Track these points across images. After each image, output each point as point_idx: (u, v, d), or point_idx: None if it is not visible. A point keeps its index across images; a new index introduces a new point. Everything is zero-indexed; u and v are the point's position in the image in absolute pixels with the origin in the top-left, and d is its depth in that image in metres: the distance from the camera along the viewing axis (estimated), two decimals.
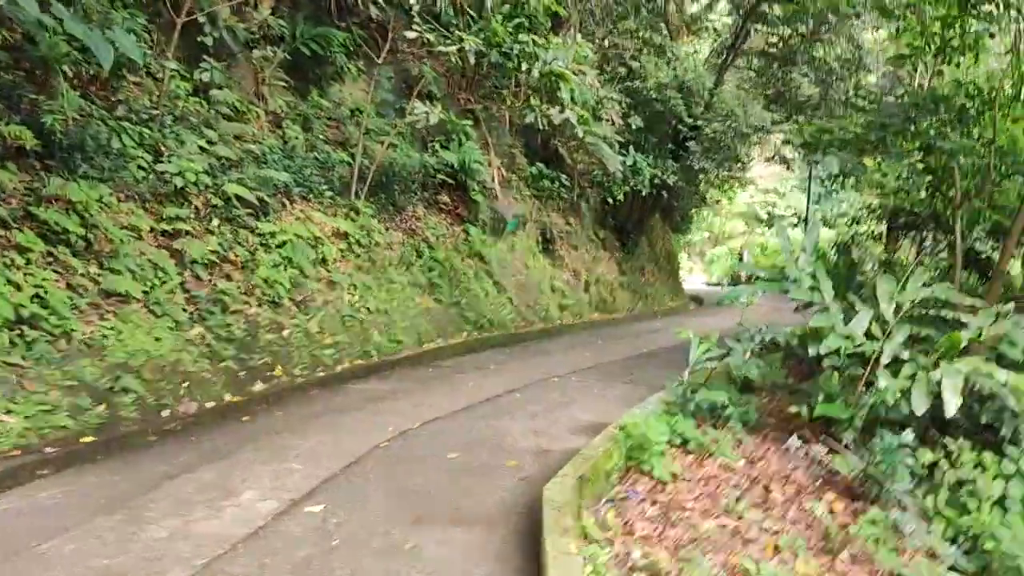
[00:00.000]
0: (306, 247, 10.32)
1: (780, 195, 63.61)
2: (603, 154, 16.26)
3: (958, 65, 10.66)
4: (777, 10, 18.83)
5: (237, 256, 9.32)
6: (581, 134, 11.30)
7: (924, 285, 7.72)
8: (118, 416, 6.61)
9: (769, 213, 64.46)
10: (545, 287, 16.03)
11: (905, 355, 7.12)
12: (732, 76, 20.96)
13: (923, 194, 12.54)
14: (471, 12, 12.76)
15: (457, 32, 11.11)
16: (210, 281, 8.81)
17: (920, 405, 6.21)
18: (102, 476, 5.51)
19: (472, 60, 11.01)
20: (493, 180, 15.06)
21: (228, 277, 9.05)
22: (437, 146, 14.30)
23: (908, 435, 6.14)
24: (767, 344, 7.46)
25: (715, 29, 21.51)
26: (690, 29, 22.31)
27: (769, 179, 55.37)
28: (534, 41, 11.02)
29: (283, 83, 11.97)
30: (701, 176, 20.94)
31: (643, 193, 17.83)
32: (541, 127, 11.46)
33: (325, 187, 11.47)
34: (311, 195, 11.22)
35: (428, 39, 11.02)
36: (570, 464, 5.25)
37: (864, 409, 6.77)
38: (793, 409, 7.20)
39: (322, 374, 9.20)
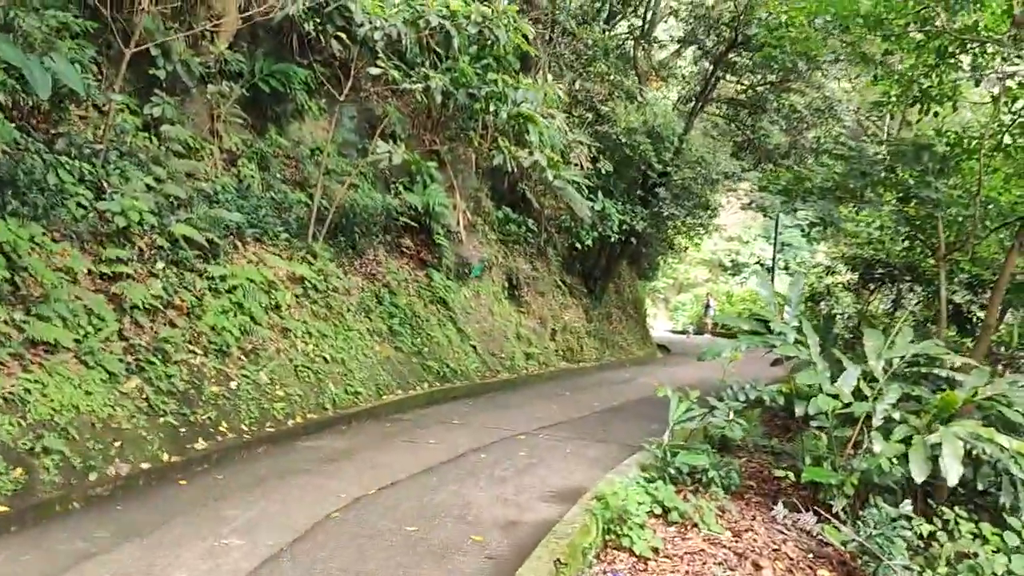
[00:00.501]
0: (258, 292, 9.75)
1: (744, 243, 64.33)
2: (571, 199, 15.95)
3: (936, 114, 10.52)
4: (746, 58, 18.86)
5: (183, 301, 8.74)
6: (551, 177, 10.95)
7: (911, 341, 7.39)
8: (38, 481, 5.94)
9: (733, 261, 65.17)
10: (511, 335, 15.55)
11: (896, 416, 6.73)
12: (701, 123, 20.92)
13: (900, 245, 12.36)
14: (437, 51, 12.43)
15: (423, 70, 10.73)
16: (151, 328, 8.20)
17: (920, 472, 5.80)
18: (9, 554, 4.85)
19: (438, 99, 10.62)
20: (458, 224, 14.64)
21: (172, 324, 8.45)
22: (400, 188, 13.88)
23: (906, 506, 5.71)
24: (751, 402, 7.03)
25: (683, 76, 21.52)
26: (658, 75, 22.31)
27: (733, 227, 55.95)
28: (504, 81, 10.68)
29: (240, 120, 11.50)
30: (670, 223, 20.74)
31: (612, 239, 17.52)
32: (510, 170, 11.11)
33: (281, 229, 10.95)
34: (266, 237, 10.68)
35: (393, 76, 10.62)
36: (543, 545, 4.73)
37: (855, 475, 6.34)
38: (779, 473, 6.75)
39: (272, 430, 8.57)
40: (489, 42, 10.84)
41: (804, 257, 59.40)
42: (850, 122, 18.10)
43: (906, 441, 6.51)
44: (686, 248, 30.42)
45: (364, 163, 12.06)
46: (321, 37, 11.38)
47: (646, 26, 20.50)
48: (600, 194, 16.90)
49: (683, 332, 38.58)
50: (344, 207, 12.14)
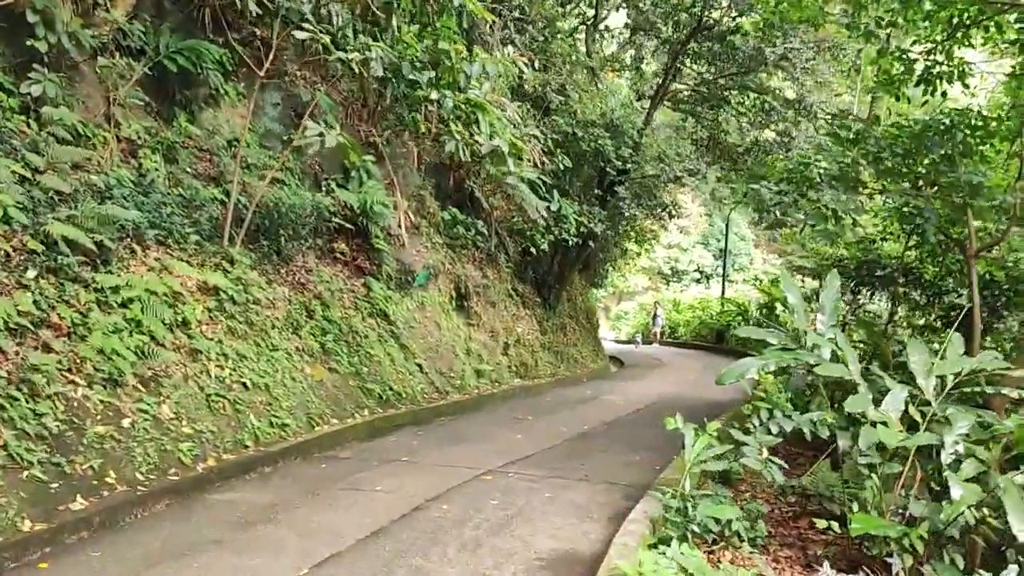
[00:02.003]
0: (161, 306, 8.12)
1: (683, 250, 64.13)
2: (525, 198, 14.63)
3: (944, 95, 9.48)
4: (706, 49, 17.82)
5: (61, 319, 7.10)
6: (513, 167, 9.57)
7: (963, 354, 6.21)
8: None
9: (673, 269, 64.90)
10: (460, 350, 14.10)
11: (960, 448, 5.52)
12: (659, 118, 19.80)
13: (899, 244, 11.33)
14: (376, 25, 10.94)
15: (361, 37, 9.26)
16: (17, 354, 6.55)
17: (1021, 527, 4.56)
18: None
19: (379, 72, 9.19)
20: (399, 226, 13.16)
21: (46, 348, 6.81)
22: (333, 185, 12.34)
23: (1011, 571, 4.47)
24: (785, 434, 5.73)
25: (638, 67, 20.38)
26: (611, 68, 21.17)
27: (672, 235, 55.53)
28: (456, 52, 9.27)
29: (142, 105, 9.90)
30: (628, 224, 19.60)
31: (568, 243, 16.24)
32: (462, 158, 9.70)
33: (191, 230, 9.33)
34: (171, 240, 9.06)
35: (323, 43, 9.13)
36: None
37: (923, 526, 5.09)
38: (821, 524, 5.45)
39: (176, 477, 6.97)
40: (435, 10, 9.39)
41: (742, 263, 59.49)
42: (822, 116, 17.22)
43: (979, 480, 5.32)
44: (638, 253, 29.40)
45: (290, 148, 10.50)
46: (237, 2, 9.81)
47: (598, 14, 19.33)
48: (555, 193, 15.60)
49: (630, 342, 37.53)
50: (267, 206, 10.58)
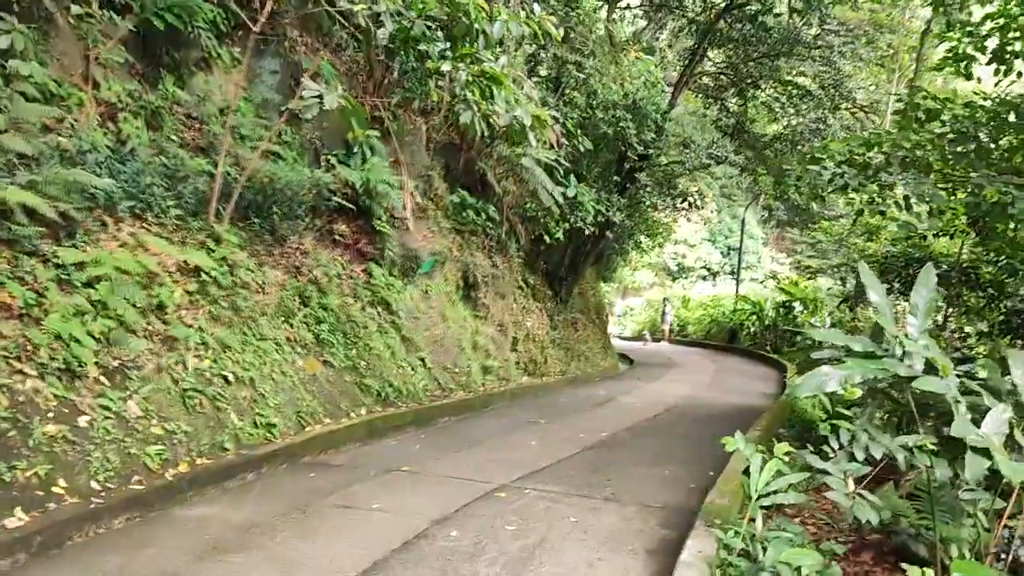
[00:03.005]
0: (133, 287, 7.18)
1: (691, 247, 63.20)
2: (540, 183, 13.67)
3: (1020, 74, 8.49)
4: (736, 30, 16.78)
5: (13, 297, 6.18)
6: (534, 142, 8.59)
7: None
8: None
9: (679, 265, 64.01)
10: (466, 344, 13.14)
11: None
12: (678, 108, 18.76)
13: (960, 239, 10.33)
14: None
15: None
16: None
17: None
18: None
19: (386, 33, 8.19)
20: (405, 208, 12.19)
21: None
22: (334, 161, 11.37)
23: None
24: (874, 462, 4.76)
25: (660, 49, 19.36)
26: (633, 48, 20.12)
27: (680, 230, 54.52)
28: (474, 5, 8.25)
29: (126, 65, 9.00)
30: (642, 217, 18.61)
31: (585, 233, 15.25)
32: (479, 132, 8.71)
33: (172, 203, 8.38)
34: (149, 213, 8.12)
35: None
36: None
37: None
38: (914, 574, 4.49)
39: (140, 487, 6.03)
40: None
41: (750, 261, 58.54)
42: (863, 100, 16.21)
43: None
44: (652, 247, 28.37)
45: (287, 113, 9.54)
46: None
47: None
48: (573, 178, 14.61)
49: (637, 339, 36.56)
50: (260, 181, 9.65)
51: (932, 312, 5.27)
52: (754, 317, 29.51)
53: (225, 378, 7.75)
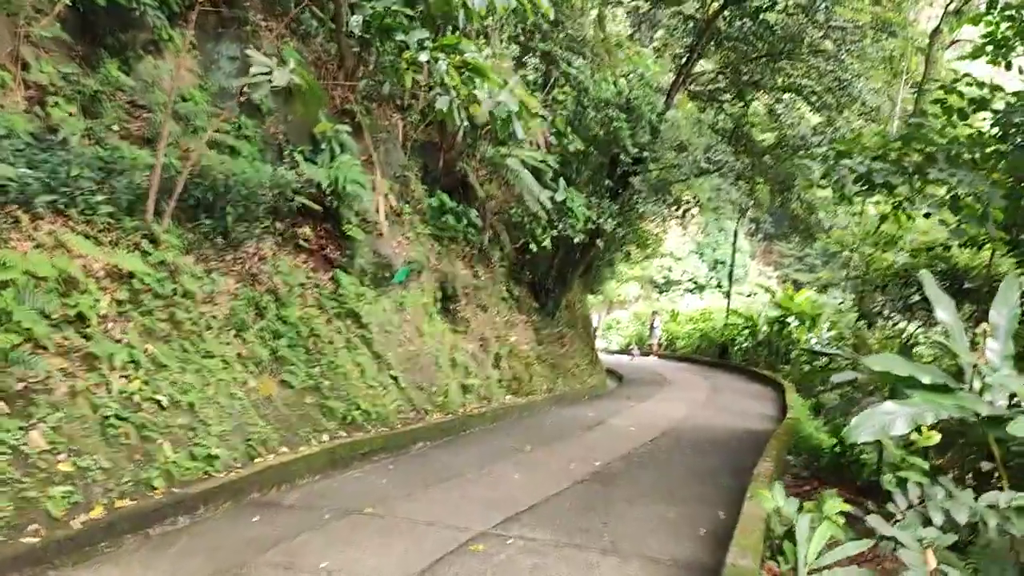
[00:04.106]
0: (46, 295, 6.15)
1: (676, 259, 62.54)
2: (526, 186, 12.70)
3: None
4: (736, 28, 15.89)
5: None
6: (521, 133, 7.61)
7: None
8: None
9: (666, 278, 63.29)
10: (444, 361, 12.10)
11: None
12: (670, 113, 17.83)
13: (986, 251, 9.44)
14: None
15: None
16: None
17: None
18: None
19: (358, 20, 7.21)
20: (378, 211, 11.19)
21: None
22: (299, 157, 10.35)
23: None
24: (957, 527, 3.77)
25: (655, 48, 18.44)
26: (611, 55, 19.22)
27: (667, 243, 53.81)
28: None
29: (62, 45, 8.07)
30: (631, 226, 17.66)
31: (574, 241, 14.26)
32: (458, 121, 7.69)
33: (102, 199, 7.32)
34: (74, 209, 7.08)
35: None
36: None
37: None
38: None
39: (33, 539, 4.96)
40: None
41: (737, 275, 57.88)
42: (872, 102, 15.35)
43: None
44: (650, 256, 27.44)
45: (236, 91, 8.54)
46: None
47: None
48: (562, 182, 13.63)
49: (624, 352, 35.56)
50: (213, 177, 8.62)
51: (1012, 334, 4.30)
52: (746, 332, 28.57)
53: (158, 402, 6.69)
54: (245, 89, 7.70)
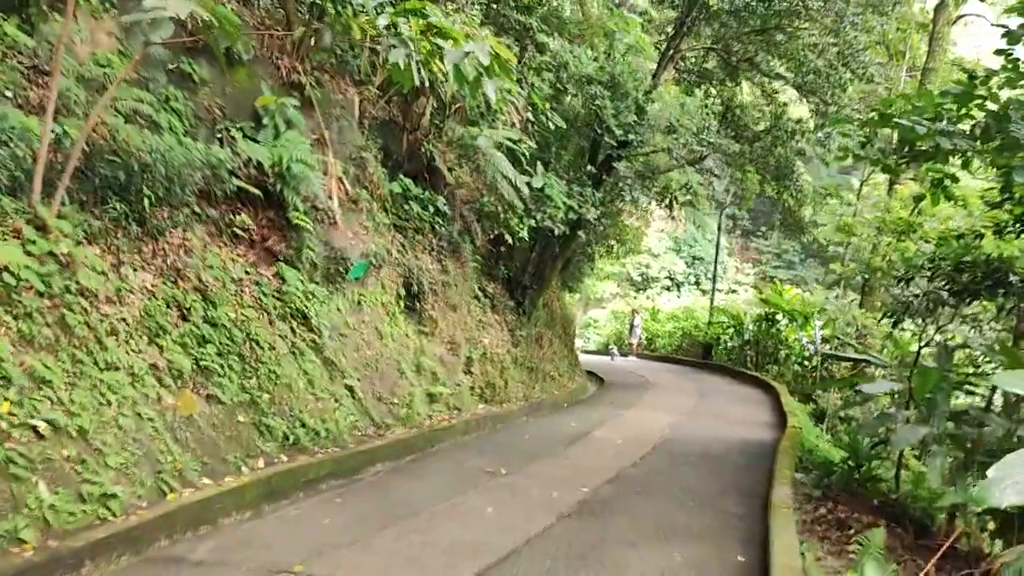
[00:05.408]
0: None
1: (654, 256, 61.71)
2: (499, 170, 11.42)
3: None
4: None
5: None
6: (492, 92, 6.32)
7: None
8: None
9: (643, 275, 62.46)
10: (408, 367, 10.81)
11: None
12: (662, 87, 16.58)
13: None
14: None
15: None
16: None
17: None
18: None
19: None
20: (330, 197, 9.89)
21: None
22: (238, 135, 9.02)
23: None
24: None
25: (641, 25, 17.17)
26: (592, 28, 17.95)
27: (645, 240, 52.92)
28: None
29: None
30: (617, 219, 16.45)
31: (553, 232, 13.00)
32: (416, 80, 6.35)
33: None
34: None
35: None
36: None
37: None
38: None
39: None
40: None
41: (718, 272, 57.20)
42: (877, 77, 14.23)
43: None
44: (632, 250, 26.28)
45: (122, 23, 7.18)
46: None
47: None
48: (539, 166, 12.37)
49: (603, 353, 34.39)
50: (125, 152, 7.29)
51: None
52: (732, 331, 27.48)
53: (35, 429, 5.35)
54: (139, 29, 6.32)
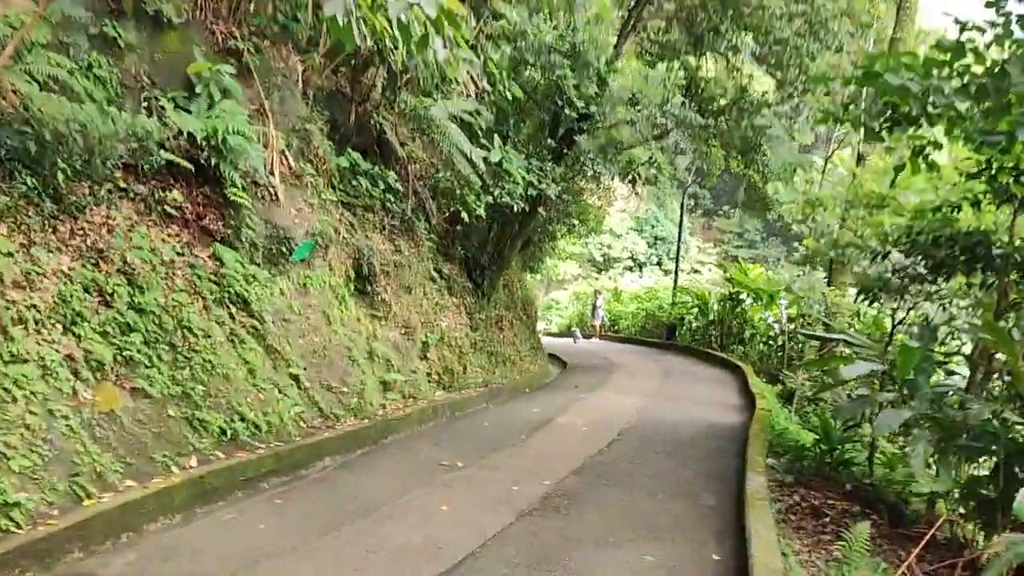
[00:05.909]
0: None
1: (616, 236, 61.56)
2: (454, 143, 10.87)
3: None
4: None
5: None
6: (440, 53, 5.77)
7: None
8: None
9: (604, 256, 62.26)
10: (359, 354, 10.25)
11: None
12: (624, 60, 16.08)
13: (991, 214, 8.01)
14: None
15: None
16: None
17: None
18: None
19: None
20: (272, 172, 9.26)
21: None
22: (168, 104, 8.36)
23: None
24: None
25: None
26: None
27: (607, 220, 52.59)
28: None
29: None
30: (590, 185, 15.98)
31: (513, 209, 12.47)
32: (361, 34, 5.78)
33: None
34: None
35: None
36: None
37: None
38: None
39: None
40: None
41: (685, 251, 57.12)
42: (849, 46, 13.87)
43: None
44: (595, 230, 25.82)
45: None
46: None
47: None
48: (497, 140, 11.81)
49: (566, 335, 33.99)
50: (36, 120, 6.63)
51: None
52: (696, 311, 27.22)
53: None
54: None
